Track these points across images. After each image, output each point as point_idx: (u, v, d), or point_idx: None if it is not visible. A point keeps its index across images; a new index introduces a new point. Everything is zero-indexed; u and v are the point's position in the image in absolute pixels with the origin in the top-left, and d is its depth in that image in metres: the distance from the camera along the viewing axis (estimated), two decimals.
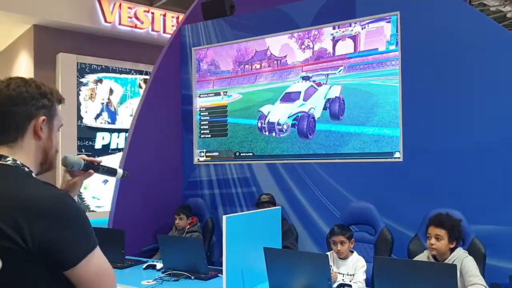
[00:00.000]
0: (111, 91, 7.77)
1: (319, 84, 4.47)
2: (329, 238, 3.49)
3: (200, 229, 4.68)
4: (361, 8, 4.23)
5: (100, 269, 1.22)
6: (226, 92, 5.08)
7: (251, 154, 4.89)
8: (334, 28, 4.39)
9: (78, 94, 7.51)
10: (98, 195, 7.47)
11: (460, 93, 3.74)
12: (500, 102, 3.58)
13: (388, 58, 4.09)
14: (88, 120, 7.60)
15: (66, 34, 7.44)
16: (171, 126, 5.28)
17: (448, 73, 3.79)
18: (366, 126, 4.19)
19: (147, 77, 7.62)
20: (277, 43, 4.74)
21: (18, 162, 1.24)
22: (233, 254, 2.90)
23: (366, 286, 3.22)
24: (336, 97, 4.36)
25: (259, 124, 4.83)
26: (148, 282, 3.21)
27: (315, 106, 4.48)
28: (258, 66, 4.87)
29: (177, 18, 8.11)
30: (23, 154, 1.26)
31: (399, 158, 4.02)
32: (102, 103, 7.69)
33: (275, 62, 4.76)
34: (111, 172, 1.52)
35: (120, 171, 1.53)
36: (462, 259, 2.91)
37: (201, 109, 5.26)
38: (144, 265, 3.65)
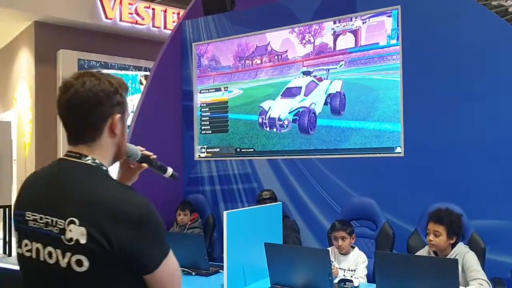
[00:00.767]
0: None
1: (320, 79, 4.45)
2: (330, 234, 3.49)
3: (201, 225, 4.68)
4: (362, 3, 4.21)
5: (173, 271, 1.27)
6: (227, 87, 5.07)
7: (252, 150, 4.88)
8: (335, 23, 4.37)
9: None
10: None
11: (461, 88, 3.72)
12: (501, 97, 3.56)
13: (389, 53, 4.07)
14: None
15: (67, 30, 7.43)
16: (172, 122, 5.28)
17: (449, 67, 3.77)
18: (367, 121, 4.18)
19: (148, 73, 7.60)
20: (277, 38, 4.72)
21: (97, 161, 1.26)
22: (234, 250, 2.89)
23: (367, 281, 3.22)
24: (337, 92, 4.34)
25: (260, 120, 4.81)
26: None
27: (316, 101, 4.46)
28: (258, 61, 4.85)
29: (178, 14, 8.10)
30: (101, 152, 1.28)
31: (400, 153, 4.00)
32: None
33: (276, 57, 4.74)
34: (162, 169, 1.53)
35: (170, 170, 1.54)
36: (464, 254, 2.90)
37: (202, 105, 5.25)
38: None
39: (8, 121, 6.89)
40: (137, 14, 7.80)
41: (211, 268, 3.39)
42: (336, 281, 2.98)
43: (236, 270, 2.95)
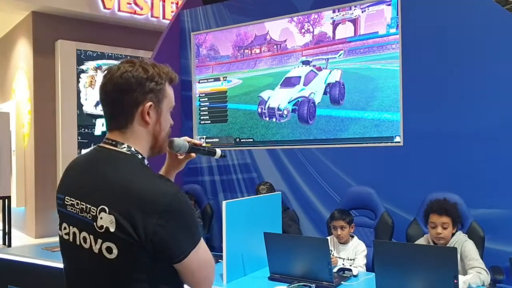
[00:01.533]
0: None
1: (319, 69, 4.44)
2: (329, 223, 3.49)
3: (200, 215, 4.68)
4: None
5: (203, 260, 1.27)
6: (226, 77, 5.05)
7: (251, 140, 4.87)
8: (334, 12, 4.34)
9: (78, 82, 7.48)
10: None
11: (460, 77, 3.71)
12: (500, 85, 3.54)
13: (389, 42, 4.05)
14: (88, 107, 7.58)
15: (65, 21, 7.40)
16: (170, 112, 5.25)
17: (448, 56, 3.76)
18: (366, 110, 4.17)
19: None
20: (276, 28, 4.70)
21: (132, 149, 1.27)
22: (233, 239, 2.90)
23: (367, 270, 3.22)
24: (336, 81, 4.33)
25: (259, 110, 4.80)
26: None
27: (315, 91, 4.45)
28: (257, 51, 4.83)
29: (177, 3, 8.05)
30: (135, 140, 1.28)
31: (399, 142, 4.00)
32: None
33: (275, 46, 4.72)
34: (212, 152, 1.56)
35: (219, 151, 1.57)
36: (462, 242, 2.90)
37: (201, 94, 5.23)
38: None
39: (6, 112, 6.87)
40: (136, 4, 7.76)
41: None
42: (335, 270, 2.98)
43: (236, 260, 2.95)
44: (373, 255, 2.81)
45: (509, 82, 3.51)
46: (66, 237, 1.29)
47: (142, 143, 1.30)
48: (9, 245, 6.03)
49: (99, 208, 1.19)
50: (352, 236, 3.40)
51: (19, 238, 7.25)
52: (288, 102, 4.60)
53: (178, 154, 1.49)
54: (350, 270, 2.98)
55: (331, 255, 3.08)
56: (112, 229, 1.16)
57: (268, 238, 2.91)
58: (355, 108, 4.23)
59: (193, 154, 1.50)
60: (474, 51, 3.65)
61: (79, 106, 7.46)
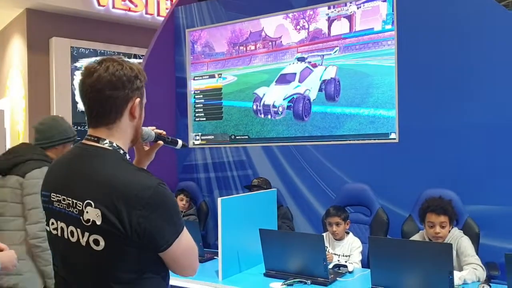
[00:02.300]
0: None
1: (315, 65, 4.43)
2: (324, 220, 3.49)
3: (196, 212, 4.67)
4: None
5: (187, 247, 1.36)
6: (221, 74, 5.04)
7: (246, 137, 4.86)
8: (329, 8, 4.33)
9: (73, 79, 7.44)
10: None
11: (456, 73, 3.70)
12: (497, 82, 3.54)
13: (384, 38, 4.05)
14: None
15: (59, 18, 7.35)
16: (166, 110, 5.24)
17: (444, 52, 3.75)
18: (361, 107, 4.16)
19: (141, 60, 7.55)
20: (271, 24, 4.69)
21: (114, 144, 1.34)
22: (229, 236, 2.90)
23: (362, 267, 3.22)
24: (331, 78, 4.32)
25: (255, 107, 4.79)
26: None
27: (311, 87, 4.44)
28: (252, 48, 4.82)
29: (171, 0, 8.02)
30: (119, 135, 1.35)
31: (394, 139, 4.00)
32: None
33: (270, 43, 4.70)
34: (174, 142, 1.61)
35: (180, 142, 1.63)
36: (458, 239, 2.91)
37: (196, 91, 5.22)
38: None
39: (1, 110, 6.83)
40: (130, 1, 7.71)
41: (206, 255, 3.39)
42: (330, 266, 2.98)
43: (231, 256, 2.95)
44: (369, 252, 2.81)
45: (505, 79, 3.51)
46: (54, 232, 1.36)
47: (125, 137, 1.38)
48: None
49: (85, 203, 1.25)
50: (348, 233, 3.40)
51: None
52: (283, 99, 4.59)
53: (144, 145, 1.54)
54: (345, 266, 2.99)
55: (327, 252, 3.08)
56: (98, 222, 1.23)
57: (264, 234, 2.92)
58: (350, 104, 4.22)
59: (160, 142, 1.55)
60: (470, 47, 3.65)
61: (74, 103, 7.42)
